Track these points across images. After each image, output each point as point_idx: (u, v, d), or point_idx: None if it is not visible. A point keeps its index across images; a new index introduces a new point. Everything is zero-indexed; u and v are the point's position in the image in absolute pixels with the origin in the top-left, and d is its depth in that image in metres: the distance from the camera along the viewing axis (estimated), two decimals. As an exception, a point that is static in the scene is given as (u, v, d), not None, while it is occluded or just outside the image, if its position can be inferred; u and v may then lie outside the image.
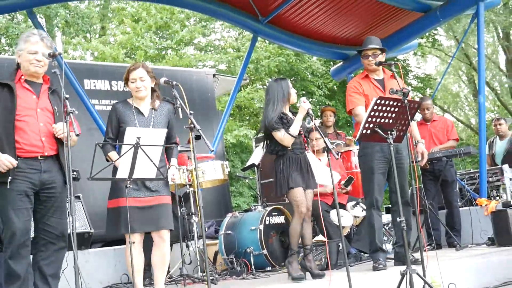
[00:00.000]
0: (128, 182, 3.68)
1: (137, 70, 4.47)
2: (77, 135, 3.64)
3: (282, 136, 4.99)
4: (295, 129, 4.98)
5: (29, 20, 11.37)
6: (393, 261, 5.48)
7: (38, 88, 4.06)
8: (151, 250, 4.53)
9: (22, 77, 4.01)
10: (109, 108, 8.21)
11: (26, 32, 4.15)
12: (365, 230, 5.67)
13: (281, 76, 6.15)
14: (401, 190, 4.74)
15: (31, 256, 4.04)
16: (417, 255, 5.32)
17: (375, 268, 5.11)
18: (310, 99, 17.10)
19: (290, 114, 5.14)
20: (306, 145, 5.17)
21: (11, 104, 3.89)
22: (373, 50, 5.53)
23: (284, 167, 5.04)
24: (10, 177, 3.80)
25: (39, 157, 3.93)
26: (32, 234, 4.71)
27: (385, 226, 6.98)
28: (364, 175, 5.44)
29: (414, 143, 5.48)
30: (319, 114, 7.70)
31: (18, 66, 4.06)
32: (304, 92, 17.32)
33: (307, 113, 4.93)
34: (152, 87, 4.54)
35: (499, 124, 8.23)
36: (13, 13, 14.99)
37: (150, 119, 4.46)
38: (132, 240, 4.19)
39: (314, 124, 4.86)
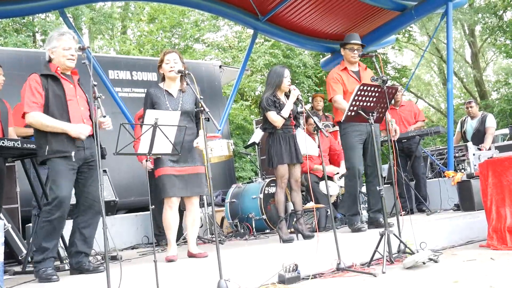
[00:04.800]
0: (148, 157, 3.68)
1: (172, 53, 4.47)
2: (104, 117, 3.66)
3: (273, 117, 4.97)
4: (285, 112, 4.96)
5: (59, 18, 11.30)
6: (367, 224, 5.48)
7: (71, 78, 4.06)
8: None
9: (58, 69, 3.99)
10: (131, 95, 8.31)
11: (56, 31, 4.12)
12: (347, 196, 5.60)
13: (282, 65, 6.04)
14: (377, 163, 4.76)
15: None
16: (391, 219, 5.32)
17: (357, 230, 5.13)
18: (301, 86, 17.07)
19: (283, 99, 5.10)
20: (293, 127, 5.12)
21: (60, 91, 3.91)
22: (358, 46, 5.48)
23: (273, 144, 5.01)
24: (73, 152, 3.84)
25: None
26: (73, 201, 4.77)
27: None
28: (347, 150, 5.36)
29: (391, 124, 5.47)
30: (310, 99, 7.68)
31: (49, 61, 4.03)
32: (296, 81, 17.28)
33: (297, 99, 4.93)
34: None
35: (470, 107, 8.22)
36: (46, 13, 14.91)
37: (178, 99, 4.45)
38: (172, 203, 4.27)
39: (305, 108, 4.85)
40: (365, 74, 5.52)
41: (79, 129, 3.89)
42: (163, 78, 4.57)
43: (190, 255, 4.39)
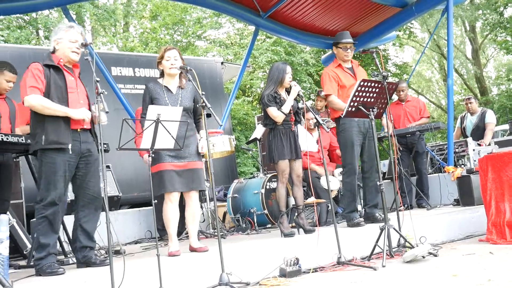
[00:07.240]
0: (151, 152, 3.69)
1: (172, 50, 4.48)
2: (106, 112, 3.64)
3: (274, 113, 4.97)
4: (286, 107, 4.97)
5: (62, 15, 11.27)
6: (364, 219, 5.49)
7: (72, 71, 4.05)
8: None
9: (61, 60, 3.97)
10: (133, 91, 8.31)
11: (64, 24, 4.13)
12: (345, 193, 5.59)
13: (284, 61, 6.02)
14: (375, 159, 4.77)
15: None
16: (390, 214, 5.30)
17: (356, 224, 5.14)
18: (303, 84, 17.04)
19: (284, 95, 5.10)
20: (292, 123, 5.09)
21: (62, 82, 3.90)
22: (350, 44, 5.48)
23: (274, 140, 5.02)
24: (70, 144, 3.82)
25: (78, 130, 3.93)
26: (69, 198, 4.79)
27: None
28: (345, 147, 5.34)
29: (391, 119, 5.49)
30: (314, 97, 7.69)
31: (53, 52, 4.01)
32: (298, 79, 17.26)
33: (298, 95, 4.93)
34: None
35: (470, 103, 8.23)
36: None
37: (178, 96, 4.46)
38: (172, 198, 4.30)
39: (305, 104, 4.85)
40: (359, 71, 5.54)
41: (82, 112, 3.89)
42: (162, 74, 4.57)
43: (192, 249, 4.42)
